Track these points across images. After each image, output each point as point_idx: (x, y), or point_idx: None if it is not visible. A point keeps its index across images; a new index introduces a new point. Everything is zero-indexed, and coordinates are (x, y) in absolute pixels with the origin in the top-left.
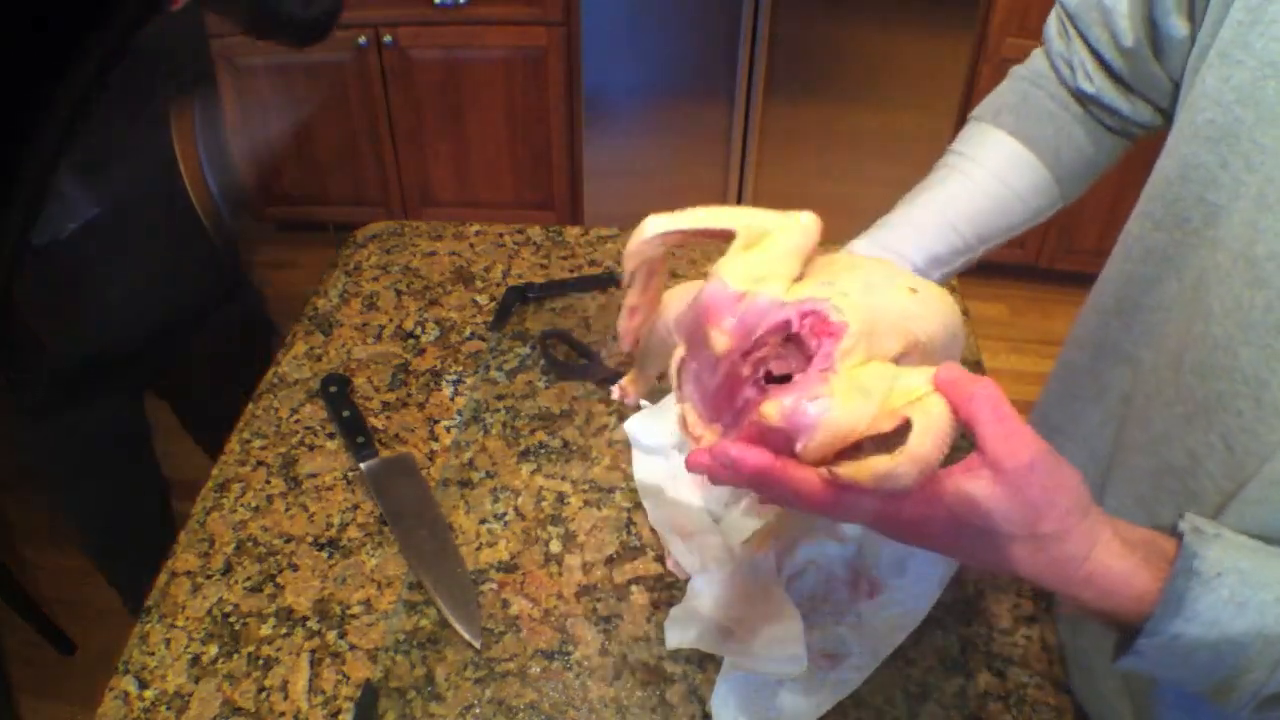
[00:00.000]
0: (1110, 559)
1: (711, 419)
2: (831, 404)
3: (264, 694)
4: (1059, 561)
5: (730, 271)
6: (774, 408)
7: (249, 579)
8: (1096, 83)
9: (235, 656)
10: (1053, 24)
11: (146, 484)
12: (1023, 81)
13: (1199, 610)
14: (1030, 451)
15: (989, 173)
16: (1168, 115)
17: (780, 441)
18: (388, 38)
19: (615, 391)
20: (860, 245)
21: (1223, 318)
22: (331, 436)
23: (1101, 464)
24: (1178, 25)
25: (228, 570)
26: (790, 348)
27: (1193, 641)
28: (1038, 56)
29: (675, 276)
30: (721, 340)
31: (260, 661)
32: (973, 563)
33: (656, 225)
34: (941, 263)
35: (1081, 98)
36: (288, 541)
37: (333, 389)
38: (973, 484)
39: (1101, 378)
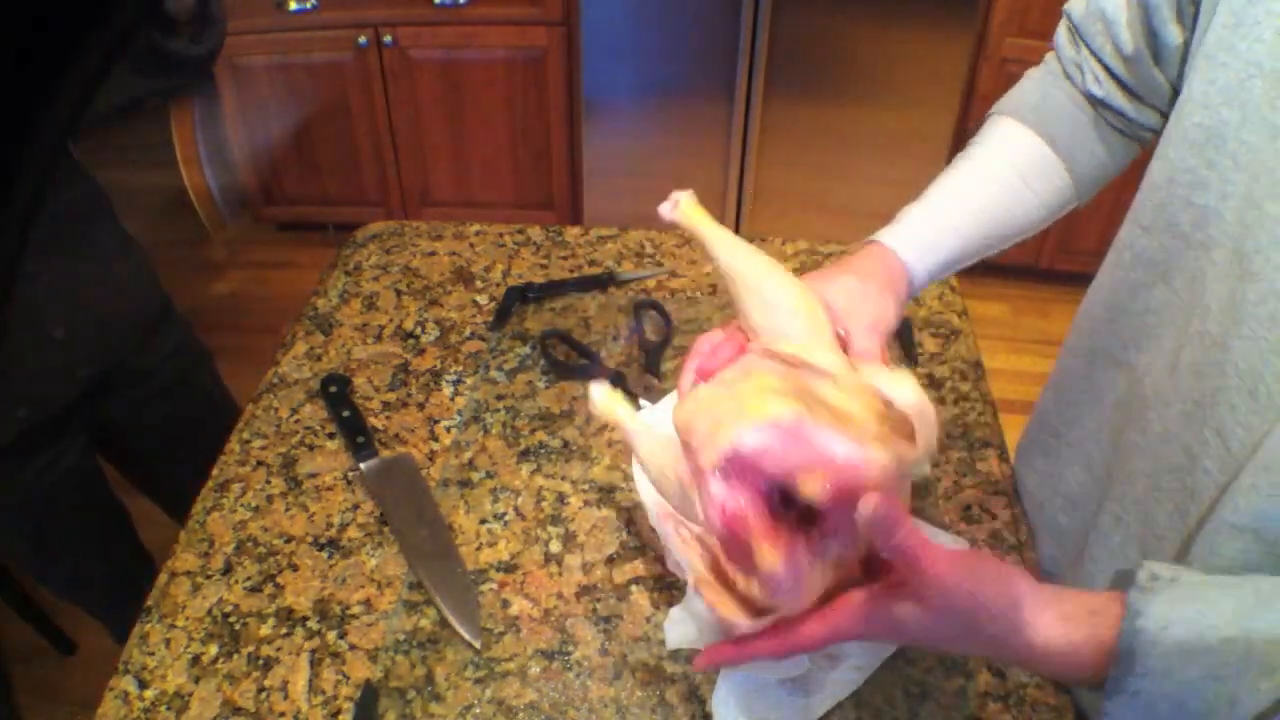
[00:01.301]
0: (1053, 639)
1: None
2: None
3: (264, 694)
4: (1009, 648)
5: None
6: (753, 585)
7: (249, 579)
8: (1105, 87)
9: (235, 656)
10: (1062, 33)
11: (107, 518)
12: (1041, 81)
13: (1150, 665)
14: (947, 576)
15: (1011, 169)
16: None
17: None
18: (388, 38)
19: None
20: (886, 238)
21: (1219, 314)
22: (331, 436)
23: (1098, 469)
24: (1174, 32)
25: (228, 570)
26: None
27: (1153, 694)
28: (1051, 60)
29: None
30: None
31: (260, 661)
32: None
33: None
34: (957, 261)
35: (1092, 101)
36: (288, 541)
37: (333, 389)
38: (899, 608)
39: (1096, 384)
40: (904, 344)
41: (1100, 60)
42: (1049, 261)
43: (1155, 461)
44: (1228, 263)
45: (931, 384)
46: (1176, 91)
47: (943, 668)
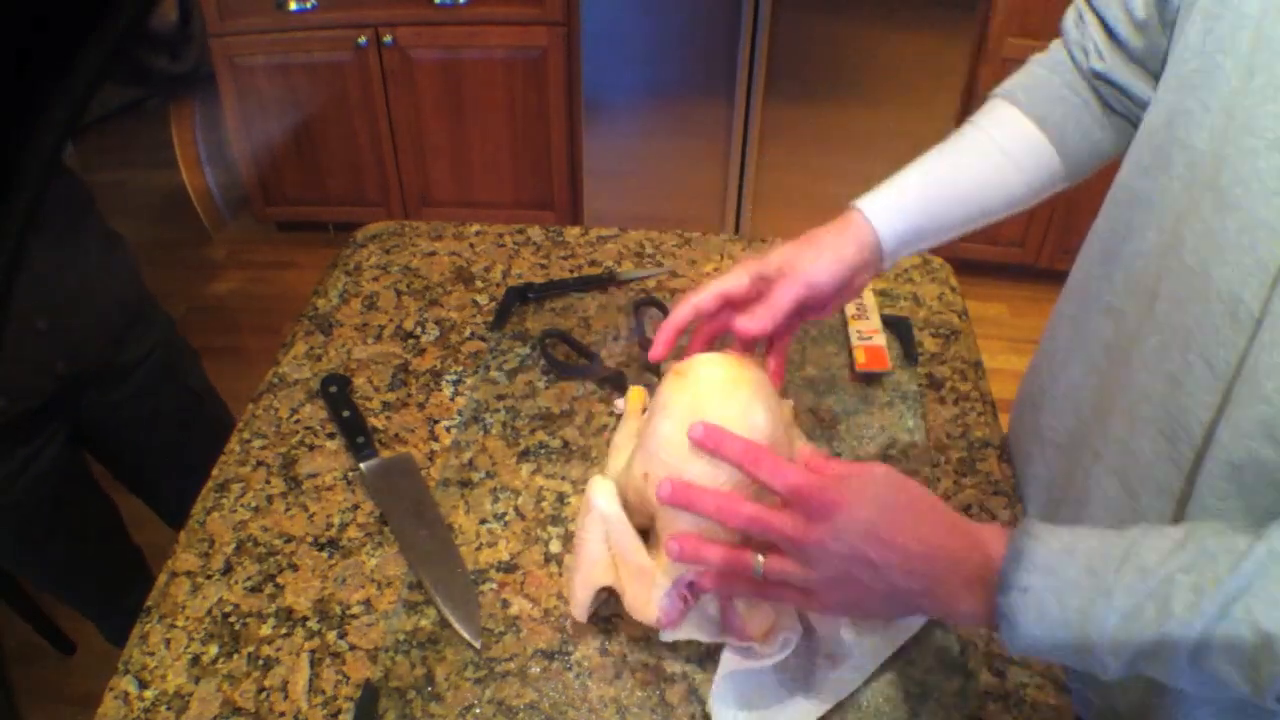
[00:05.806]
0: (949, 542)
1: None
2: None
3: (264, 694)
4: (905, 555)
5: None
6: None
7: (249, 579)
8: (1108, 60)
9: (235, 656)
10: (1070, 15)
11: (92, 514)
12: (1040, 67)
13: (1036, 561)
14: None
15: (995, 144)
16: None
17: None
18: (388, 38)
19: None
20: (866, 204)
21: (1195, 246)
22: (331, 436)
23: (1085, 417)
24: None
25: (228, 570)
26: None
27: (1040, 589)
28: (1056, 47)
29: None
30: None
31: (260, 661)
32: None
33: None
34: (935, 231)
35: (1093, 78)
36: (288, 541)
37: (333, 389)
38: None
39: (1084, 330)
40: (904, 344)
41: (1109, 30)
42: (1049, 261)
43: (1135, 394)
44: (1200, 197)
45: (932, 384)
46: None
47: (943, 668)
